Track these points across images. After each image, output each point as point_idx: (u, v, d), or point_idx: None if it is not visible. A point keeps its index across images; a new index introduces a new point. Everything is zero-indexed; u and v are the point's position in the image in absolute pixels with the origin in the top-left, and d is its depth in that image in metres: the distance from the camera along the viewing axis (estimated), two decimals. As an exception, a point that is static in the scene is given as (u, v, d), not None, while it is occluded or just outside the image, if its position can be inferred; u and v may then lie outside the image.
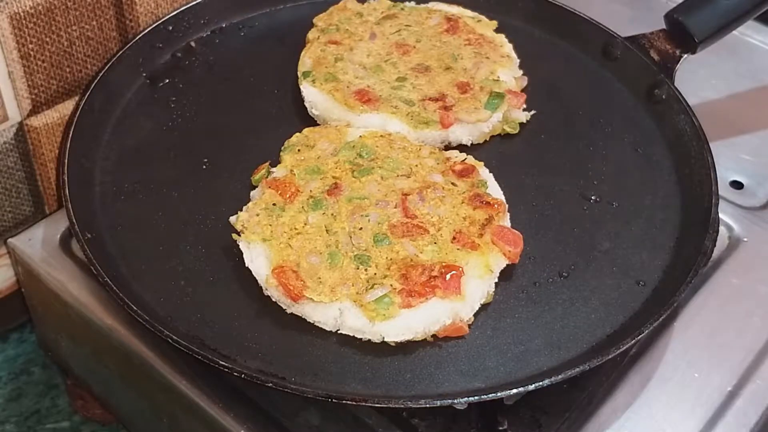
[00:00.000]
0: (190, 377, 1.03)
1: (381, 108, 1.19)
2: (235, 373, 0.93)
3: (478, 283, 1.01)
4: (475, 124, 1.20)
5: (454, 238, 1.04)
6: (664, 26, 1.30)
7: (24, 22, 1.12)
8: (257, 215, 1.05)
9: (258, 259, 1.02)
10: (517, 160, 1.20)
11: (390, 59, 1.26)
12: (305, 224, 1.04)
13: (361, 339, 0.99)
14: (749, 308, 1.13)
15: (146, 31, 1.27)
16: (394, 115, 1.18)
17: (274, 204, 1.06)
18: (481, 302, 1.02)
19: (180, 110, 1.25)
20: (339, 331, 0.99)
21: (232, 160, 1.18)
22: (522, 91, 1.26)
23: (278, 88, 1.28)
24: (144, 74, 1.28)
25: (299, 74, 1.25)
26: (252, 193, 1.10)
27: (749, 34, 1.52)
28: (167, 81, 1.28)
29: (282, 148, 1.14)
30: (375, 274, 1.00)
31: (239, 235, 1.04)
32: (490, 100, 1.21)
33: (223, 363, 0.94)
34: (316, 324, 1.00)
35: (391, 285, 0.98)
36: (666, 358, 1.08)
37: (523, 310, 1.04)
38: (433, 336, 1.00)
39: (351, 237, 1.03)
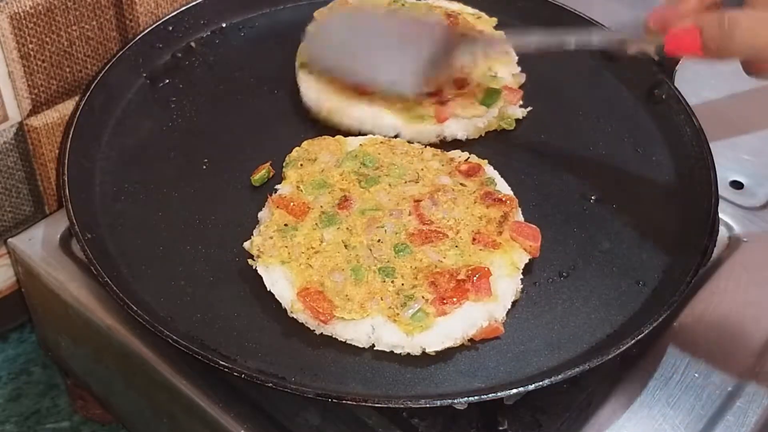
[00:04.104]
0: (190, 377, 1.03)
1: (375, 101, 1.19)
2: (235, 373, 0.93)
3: (507, 281, 1.01)
4: (470, 120, 1.20)
5: (474, 239, 1.04)
6: (664, 26, 1.29)
7: (24, 22, 1.12)
8: (271, 238, 1.03)
9: (279, 283, 1.01)
10: (516, 159, 1.20)
11: None
12: (321, 242, 1.03)
13: (399, 353, 0.98)
14: (749, 308, 1.13)
15: (146, 31, 1.27)
16: (388, 109, 1.19)
17: (285, 224, 1.04)
18: (513, 299, 1.02)
19: (180, 110, 1.25)
20: (374, 347, 0.98)
21: (232, 160, 1.18)
22: (520, 88, 1.26)
23: (278, 89, 1.28)
24: (144, 74, 1.28)
25: (297, 64, 1.25)
26: (260, 214, 1.09)
27: (749, 34, 1.51)
28: (167, 81, 1.28)
29: (284, 163, 1.13)
30: (403, 284, 0.99)
31: (254, 260, 1.03)
32: (486, 96, 1.21)
33: (223, 363, 0.94)
34: (348, 342, 0.99)
35: (423, 296, 0.98)
36: (666, 358, 1.08)
37: (523, 310, 1.04)
38: (470, 340, 0.99)
39: (371, 250, 1.02)
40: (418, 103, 1.20)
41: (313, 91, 1.22)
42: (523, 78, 1.28)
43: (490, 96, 1.22)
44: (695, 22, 0.93)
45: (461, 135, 1.21)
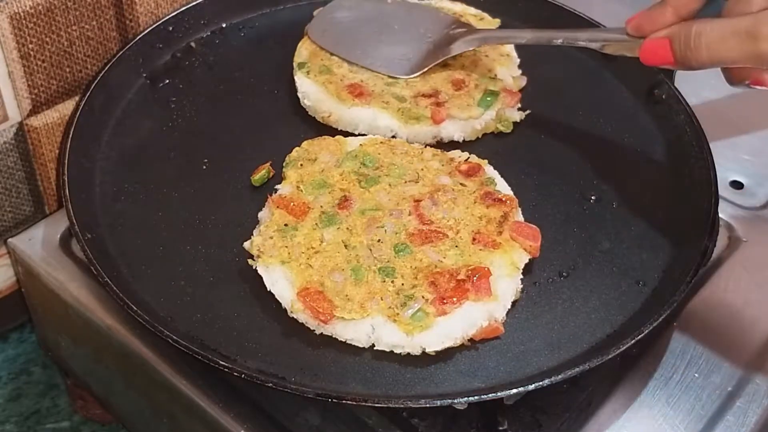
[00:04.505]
0: (190, 377, 1.03)
1: (372, 102, 1.19)
2: (235, 373, 0.93)
3: (507, 281, 1.01)
4: (467, 121, 1.20)
5: (474, 239, 1.04)
6: (664, 26, 1.29)
7: (24, 22, 1.12)
8: (271, 238, 1.03)
9: (279, 283, 1.01)
10: (516, 159, 1.20)
11: None
12: (321, 242, 1.03)
13: (399, 353, 0.98)
14: (749, 308, 1.13)
15: (146, 31, 1.27)
16: (384, 110, 1.19)
17: (285, 224, 1.04)
18: (513, 299, 1.02)
19: (180, 110, 1.25)
20: (374, 347, 0.98)
21: (232, 160, 1.18)
22: (521, 91, 1.26)
23: (278, 89, 1.28)
24: (144, 74, 1.28)
25: (294, 65, 1.26)
26: (260, 214, 1.09)
27: (749, 34, 1.51)
28: (167, 81, 1.28)
29: (284, 163, 1.13)
30: (403, 284, 0.99)
31: (254, 260, 1.02)
32: (483, 98, 1.21)
33: (223, 363, 0.94)
34: (348, 342, 0.99)
35: (423, 296, 0.98)
36: (666, 358, 1.08)
37: (523, 310, 1.04)
38: (470, 340, 0.99)
39: (371, 250, 1.02)
40: (415, 103, 1.20)
41: (311, 92, 1.23)
42: (523, 81, 1.28)
43: (487, 97, 1.22)
44: (668, 33, 0.95)
45: (458, 136, 1.21)
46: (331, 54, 1.27)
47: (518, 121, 1.24)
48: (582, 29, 1.16)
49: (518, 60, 1.30)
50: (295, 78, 1.25)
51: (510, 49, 1.31)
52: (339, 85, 1.22)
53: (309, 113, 1.24)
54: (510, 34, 1.26)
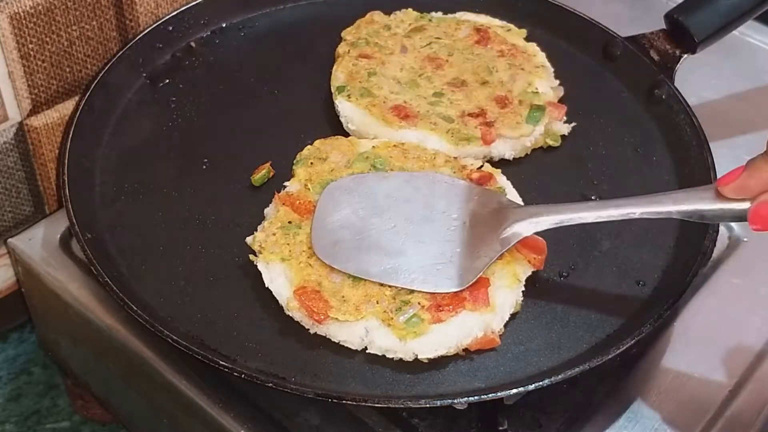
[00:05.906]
0: (190, 377, 1.03)
1: (420, 124, 1.17)
2: (235, 373, 0.93)
3: (507, 293, 1.00)
4: (518, 139, 1.18)
5: None
6: (664, 26, 1.30)
7: (24, 22, 1.12)
8: (274, 234, 1.03)
9: (278, 280, 1.00)
10: (515, 159, 1.20)
11: (424, 73, 1.24)
12: None
13: (392, 358, 0.98)
14: (749, 308, 1.13)
15: (146, 31, 1.27)
16: (433, 132, 1.16)
17: (290, 222, 1.04)
18: (512, 312, 1.02)
19: (180, 110, 1.25)
20: (367, 350, 0.98)
21: (232, 160, 1.18)
22: (560, 101, 1.24)
23: (278, 89, 1.28)
24: (144, 74, 1.28)
25: (333, 89, 1.22)
26: (266, 210, 1.09)
27: (749, 34, 1.52)
28: (167, 81, 1.28)
29: (294, 161, 1.12)
30: (400, 289, 0.99)
31: (256, 256, 1.02)
32: (530, 114, 1.19)
33: (223, 363, 0.94)
34: (341, 344, 0.98)
35: (419, 302, 0.97)
36: (666, 358, 1.08)
37: (523, 310, 1.03)
38: (465, 350, 0.98)
39: None
40: (463, 124, 1.17)
41: (355, 117, 1.19)
42: (561, 91, 1.25)
43: (534, 113, 1.19)
44: None
45: (509, 155, 1.19)
46: (355, 277, 0.99)
47: (566, 134, 1.22)
48: (665, 195, 0.94)
49: (552, 69, 1.28)
50: (336, 103, 1.21)
51: (543, 59, 1.28)
52: (383, 107, 1.18)
53: (351, 133, 1.20)
54: (569, 210, 0.98)
